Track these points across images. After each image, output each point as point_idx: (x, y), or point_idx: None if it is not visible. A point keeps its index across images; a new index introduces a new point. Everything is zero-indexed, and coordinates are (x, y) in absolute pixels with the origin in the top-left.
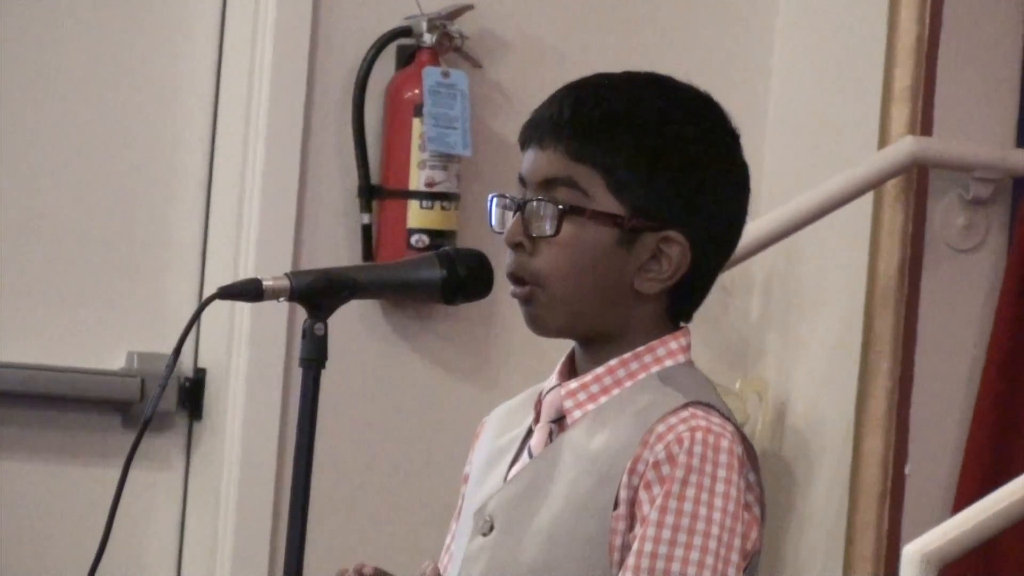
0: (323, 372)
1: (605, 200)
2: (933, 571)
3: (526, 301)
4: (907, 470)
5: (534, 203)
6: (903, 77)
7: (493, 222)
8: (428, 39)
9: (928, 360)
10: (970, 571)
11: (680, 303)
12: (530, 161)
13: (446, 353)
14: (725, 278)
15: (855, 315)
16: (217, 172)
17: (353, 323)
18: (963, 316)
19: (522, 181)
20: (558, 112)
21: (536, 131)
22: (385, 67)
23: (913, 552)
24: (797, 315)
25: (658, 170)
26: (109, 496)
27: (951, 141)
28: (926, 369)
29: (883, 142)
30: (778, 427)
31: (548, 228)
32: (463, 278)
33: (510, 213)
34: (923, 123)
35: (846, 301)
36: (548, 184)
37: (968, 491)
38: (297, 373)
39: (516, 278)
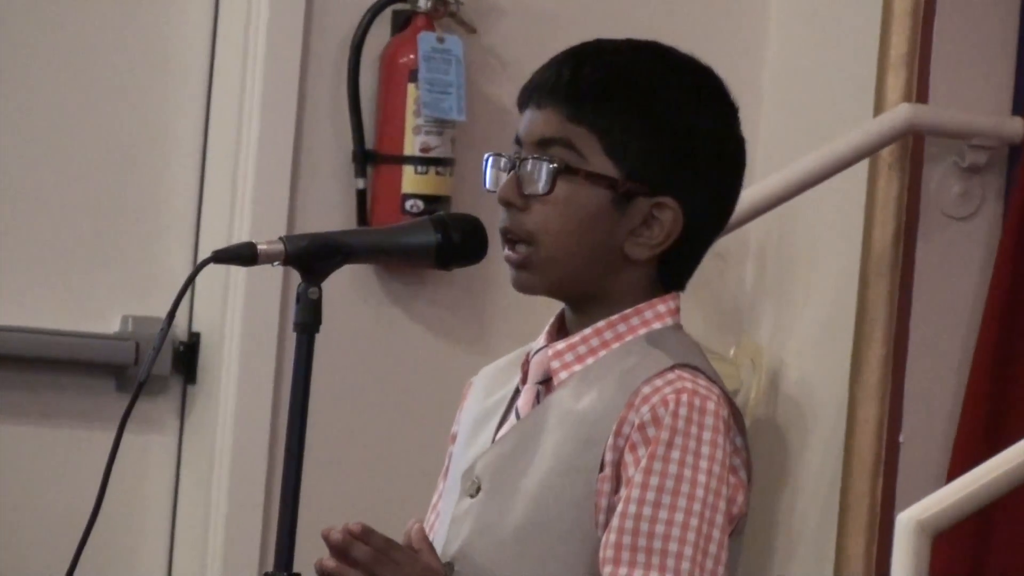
0: (317, 336)
1: (600, 162)
2: (927, 539)
3: (520, 265)
4: (901, 438)
5: (529, 162)
6: (899, 44)
7: (488, 181)
8: (423, 4)
9: (923, 328)
10: (964, 539)
11: (670, 270)
12: (527, 121)
13: (440, 317)
14: (720, 245)
15: (850, 282)
16: (212, 136)
17: (347, 288)
18: (958, 284)
19: (518, 141)
20: (557, 74)
21: (534, 92)
22: (380, 32)
23: (907, 520)
24: (792, 282)
25: (655, 136)
26: (103, 459)
27: (947, 108)
28: (921, 337)
29: (879, 109)
30: (772, 394)
31: (541, 187)
32: (457, 243)
33: (504, 173)
34: (919, 90)
35: (841, 268)
36: (544, 144)
37: (962, 459)
38: (291, 337)
39: (509, 236)
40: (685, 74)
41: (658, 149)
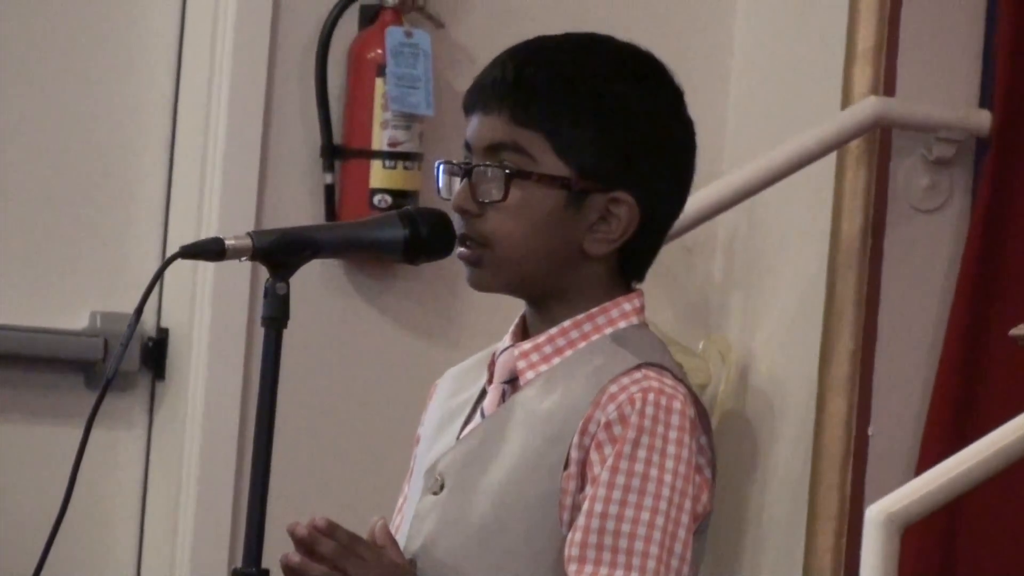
0: (285, 331)
1: (551, 163)
2: (896, 532)
3: (473, 263)
4: (870, 431)
5: (480, 169)
6: (866, 37)
7: (440, 188)
8: None
9: (891, 321)
10: (933, 532)
11: (630, 263)
12: (475, 127)
13: (408, 312)
14: (688, 238)
15: (818, 276)
16: (180, 131)
17: (315, 282)
18: (926, 277)
19: (468, 147)
20: (500, 76)
21: (479, 96)
22: (348, 27)
23: (877, 513)
24: (760, 276)
25: (603, 131)
26: (71, 456)
27: (914, 101)
28: (889, 330)
29: (846, 102)
30: (741, 388)
31: (495, 193)
32: (425, 237)
33: (457, 179)
34: (886, 83)
35: (809, 262)
36: (494, 149)
37: (931, 452)
38: (260, 332)
39: (466, 242)
40: (627, 64)
41: (608, 144)
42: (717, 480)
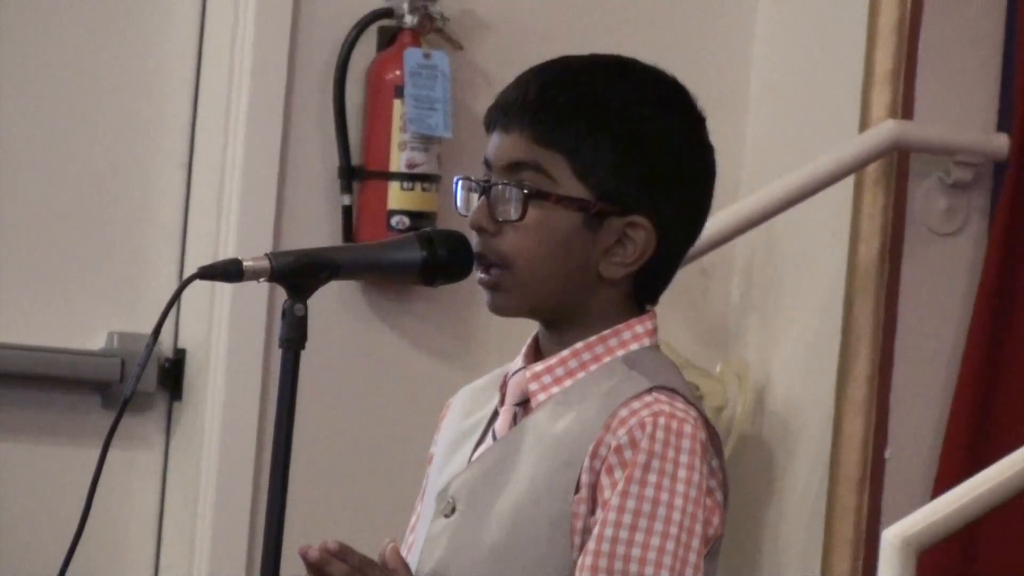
0: (303, 353)
1: (570, 184)
2: (913, 555)
3: (493, 287)
4: (887, 454)
5: (499, 187)
6: (884, 60)
7: (459, 205)
8: (410, 20)
9: (908, 344)
10: (950, 555)
11: (645, 287)
12: (495, 145)
13: (426, 334)
14: (705, 261)
15: (835, 298)
16: (198, 152)
17: (333, 304)
18: (944, 300)
19: (487, 164)
20: (523, 96)
21: (501, 114)
22: (366, 48)
23: (893, 536)
24: (777, 298)
25: (624, 155)
26: (89, 476)
27: (932, 125)
28: (906, 353)
29: (864, 125)
30: (758, 410)
31: (513, 212)
32: (443, 259)
33: (475, 196)
34: (904, 107)
35: (826, 284)
36: (513, 168)
37: (948, 475)
38: (277, 354)
39: (482, 260)
40: (651, 88)
41: (628, 168)
42: (733, 502)
